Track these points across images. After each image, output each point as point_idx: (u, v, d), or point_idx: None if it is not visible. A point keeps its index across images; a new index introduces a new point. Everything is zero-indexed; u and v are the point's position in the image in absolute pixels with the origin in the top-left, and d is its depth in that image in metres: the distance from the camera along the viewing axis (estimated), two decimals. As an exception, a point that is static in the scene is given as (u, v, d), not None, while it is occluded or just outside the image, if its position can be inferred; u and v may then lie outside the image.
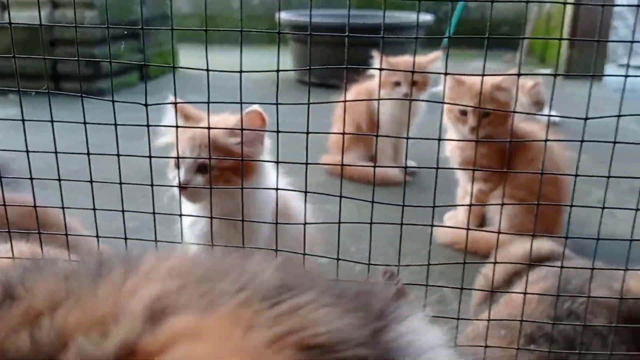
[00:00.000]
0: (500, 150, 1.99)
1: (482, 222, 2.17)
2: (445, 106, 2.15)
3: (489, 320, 0.83)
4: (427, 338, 0.41)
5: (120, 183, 0.78)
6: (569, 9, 4.75)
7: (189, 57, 5.20)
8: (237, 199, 1.37)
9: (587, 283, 1.25)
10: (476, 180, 2.09)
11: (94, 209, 0.80)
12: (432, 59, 2.57)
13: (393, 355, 0.37)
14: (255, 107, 1.34)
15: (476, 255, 1.89)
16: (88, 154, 0.79)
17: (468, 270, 1.44)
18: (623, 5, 5.25)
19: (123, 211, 0.78)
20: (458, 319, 0.79)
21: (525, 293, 0.94)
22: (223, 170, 1.38)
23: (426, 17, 4.60)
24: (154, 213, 0.77)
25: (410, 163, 2.86)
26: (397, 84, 2.59)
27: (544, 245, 1.36)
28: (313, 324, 0.33)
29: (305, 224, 0.90)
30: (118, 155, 0.79)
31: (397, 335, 0.39)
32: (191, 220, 1.40)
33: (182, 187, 1.38)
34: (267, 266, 0.36)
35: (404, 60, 2.54)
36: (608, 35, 4.55)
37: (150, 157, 0.78)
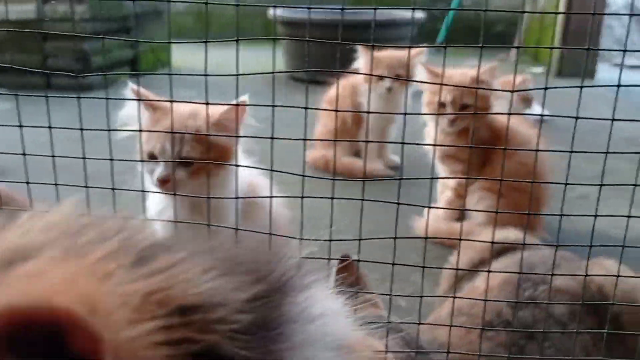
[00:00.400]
0: (480, 143, 2.00)
1: (461, 216, 2.17)
2: (425, 99, 2.16)
3: (421, 296, 0.83)
4: (322, 306, 0.41)
5: (53, 156, 0.79)
6: (562, 5, 4.75)
7: (183, 53, 5.20)
8: (209, 189, 1.38)
9: (551, 271, 1.26)
10: (455, 173, 2.09)
11: (25, 183, 0.81)
12: (417, 53, 2.57)
13: (279, 322, 0.36)
14: (242, 98, 1.34)
15: (453, 248, 1.89)
16: (20, 126, 0.81)
17: (439, 262, 1.45)
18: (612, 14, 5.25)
19: (56, 184, 0.79)
20: (390, 295, 0.79)
21: (456, 266, 0.94)
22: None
23: (419, 15, 4.61)
24: (86, 186, 0.77)
25: (394, 158, 2.87)
26: (381, 78, 2.59)
27: (509, 235, 1.37)
28: (181, 284, 0.32)
29: (236, 198, 0.91)
30: (50, 127, 0.80)
31: (289, 303, 0.38)
32: (160, 207, 1.41)
33: (162, 182, 1.38)
34: (147, 226, 0.37)
35: (388, 54, 2.55)
36: (600, 33, 4.55)
37: (81, 129, 0.79)
